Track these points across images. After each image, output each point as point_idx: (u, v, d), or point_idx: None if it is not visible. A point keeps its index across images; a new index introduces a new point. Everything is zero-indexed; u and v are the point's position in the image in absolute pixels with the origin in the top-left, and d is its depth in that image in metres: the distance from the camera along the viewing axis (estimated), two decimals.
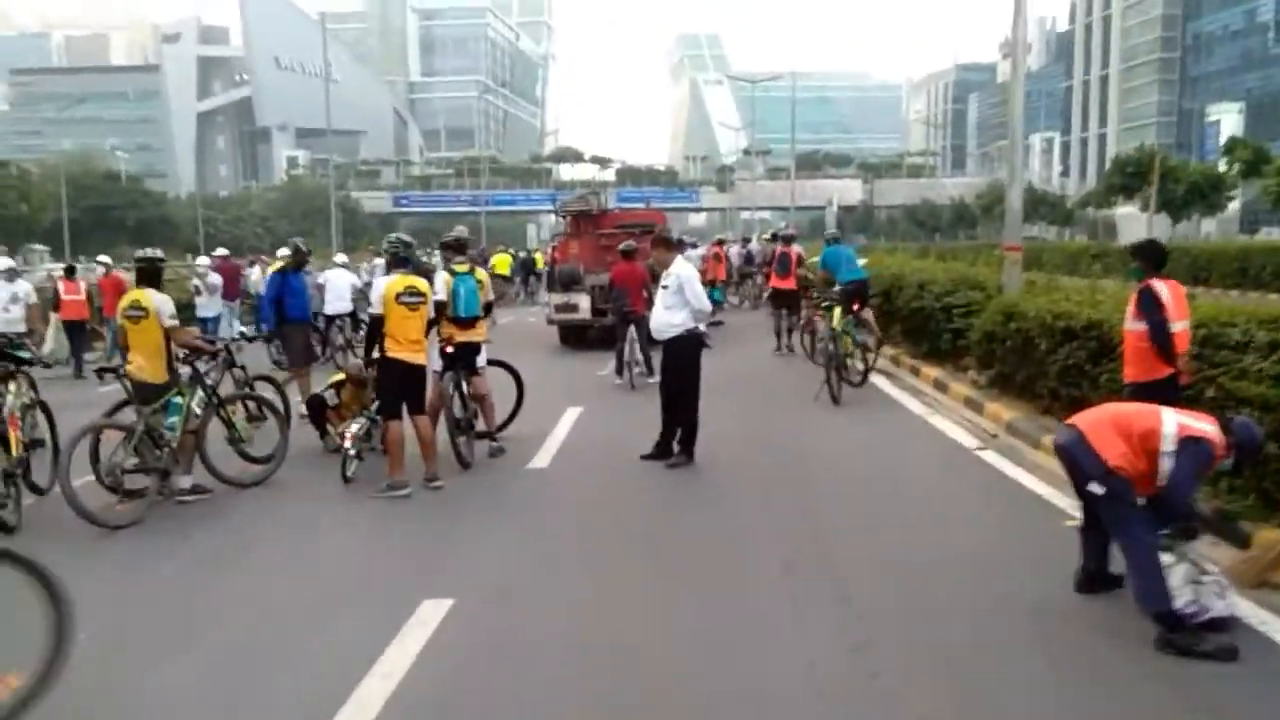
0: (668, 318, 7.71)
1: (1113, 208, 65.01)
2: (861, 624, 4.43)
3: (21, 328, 11.79)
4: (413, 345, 7.10)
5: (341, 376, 8.56)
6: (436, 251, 9.12)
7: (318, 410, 8.43)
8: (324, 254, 25.31)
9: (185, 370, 7.07)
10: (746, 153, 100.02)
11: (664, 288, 7.77)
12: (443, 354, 7.88)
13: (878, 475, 7.34)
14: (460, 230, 9.03)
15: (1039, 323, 8.62)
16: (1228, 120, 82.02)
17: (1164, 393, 5.40)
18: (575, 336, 16.11)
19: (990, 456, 7.74)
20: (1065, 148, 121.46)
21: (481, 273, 8.32)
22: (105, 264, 16.38)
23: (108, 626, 4.50)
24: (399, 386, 7.09)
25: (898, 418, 9.67)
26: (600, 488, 7.17)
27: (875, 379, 11.53)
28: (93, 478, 6.63)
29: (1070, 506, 5.58)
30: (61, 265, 15.60)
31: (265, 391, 8.45)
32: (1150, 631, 4.09)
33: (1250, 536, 4.81)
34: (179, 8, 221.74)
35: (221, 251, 19.06)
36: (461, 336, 7.92)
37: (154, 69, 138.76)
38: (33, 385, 7.42)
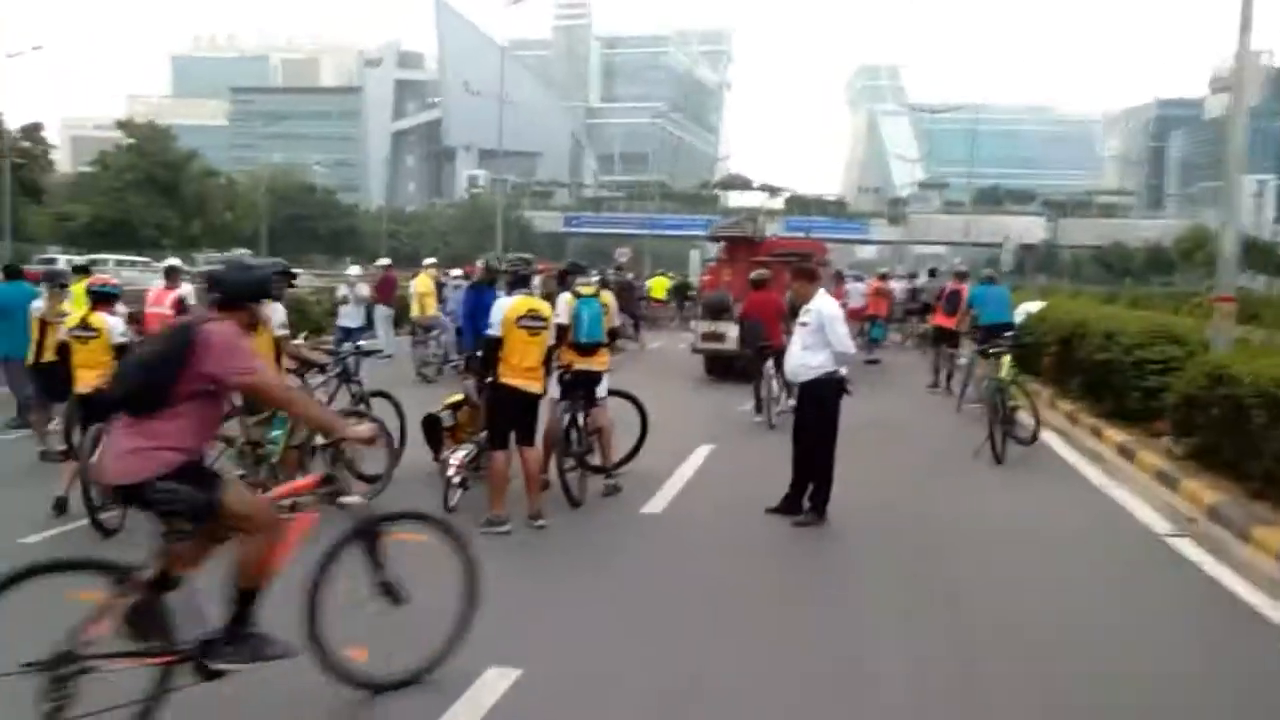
0: (805, 358, 6.91)
1: None
2: None
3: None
4: (528, 373, 6.60)
5: (460, 397, 8.19)
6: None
7: (433, 430, 8.08)
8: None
9: (295, 382, 6.84)
10: (923, 185, 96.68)
11: (802, 324, 6.97)
12: (560, 381, 7.36)
13: (1043, 561, 6.24)
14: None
15: (1256, 389, 7.21)
16: None
17: None
18: (721, 368, 15.42)
19: (1186, 547, 6.46)
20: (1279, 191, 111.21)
21: (608, 296, 7.77)
22: (386, 264, 18.45)
23: None
24: (509, 415, 6.59)
25: (1072, 487, 8.42)
26: (716, 547, 6.38)
27: (1048, 437, 10.22)
28: None
29: None
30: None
31: (383, 409, 8.18)
32: None
33: None
34: (383, 34, 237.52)
35: (384, 261, 19.52)
36: (581, 364, 7.37)
37: (357, 90, 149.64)
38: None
